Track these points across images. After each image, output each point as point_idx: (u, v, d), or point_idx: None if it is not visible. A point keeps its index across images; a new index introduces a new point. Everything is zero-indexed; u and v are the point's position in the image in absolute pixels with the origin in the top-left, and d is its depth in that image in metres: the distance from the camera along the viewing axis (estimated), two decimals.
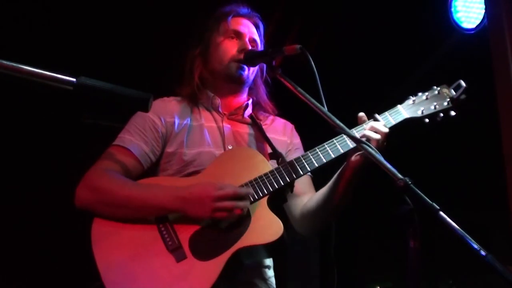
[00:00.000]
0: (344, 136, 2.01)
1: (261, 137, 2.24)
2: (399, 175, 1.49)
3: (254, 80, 2.34)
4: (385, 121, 2.04)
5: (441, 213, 1.38)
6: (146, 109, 1.48)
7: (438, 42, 3.97)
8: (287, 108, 2.42)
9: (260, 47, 2.33)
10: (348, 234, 5.04)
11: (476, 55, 3.34)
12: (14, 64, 1.34)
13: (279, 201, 2.08)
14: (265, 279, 2.15)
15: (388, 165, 1.54)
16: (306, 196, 2.20)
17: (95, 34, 3.81)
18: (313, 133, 2.28)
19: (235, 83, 2.27)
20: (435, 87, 2.16)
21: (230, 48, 2.24)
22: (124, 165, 2.07)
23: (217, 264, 1.86)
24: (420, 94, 2.15)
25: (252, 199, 1.95)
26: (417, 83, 4.07)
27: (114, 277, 1.85)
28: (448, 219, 1.36)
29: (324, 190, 2.12)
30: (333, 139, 2.04)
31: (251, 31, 2.32)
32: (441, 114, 2.10)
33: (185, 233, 1.93)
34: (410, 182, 1.45)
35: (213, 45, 2.30)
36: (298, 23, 4.10)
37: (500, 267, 1.28)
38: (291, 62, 2.54)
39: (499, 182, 2.93)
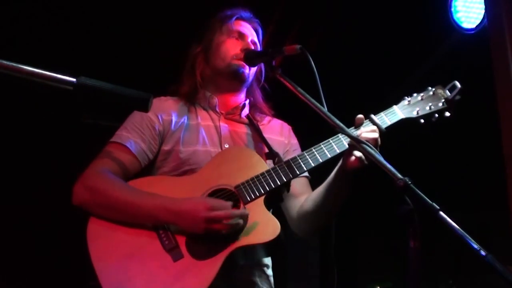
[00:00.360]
0: (340, 136, 2.01)
1: (258, 137, 2.26)
2: (399, 175, 1.49)
3: (252, 83, 2.37)
4: (381, 122, 2.04)
5: (441, 213, 1.38)
6: (146, 109, 1.47)
7: (438, 42, 3.97)
8: (285, 108, 2.42)
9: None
10: (348, 234, 5.04)
11: (476, 55, 3.34)
12: (14, 64, 1.34)
13: (275, 201, 2.08)
14: (264, 278, 2.15)
15: (388, 165, 1.54)
16: (303, 197, 2.20)
17: (95, 34, 3.81)
18: (311, 133, 2.28)
19: (236, 80, 2.28)
20: (430, 87, 2.15)
21: (233, 47, 2.27)
22: (121, 163, 2.07)
23: (214, 263, 1.85)
24: (415, 94, 2.15)
25: (247, 213, 1.92)
26: (417, 83, 4.06)
27: (110, 277, 1.85)
28: (448, 219, 1.37)
29: (319, 189, 2.12)
30: (329, 139, 2.04)
31: (252, 33, 2.37)
32: (436, 115, 2.10)
33: (182, 233, 1.92)
34: (410, 182, 1.45)
35: (215, 44, 2.32)
36: (298, 23, 4.10)
37: (500, 267, 1.28)
38: (291, 62, 2.55)
39: (499, 182, 2.93)
